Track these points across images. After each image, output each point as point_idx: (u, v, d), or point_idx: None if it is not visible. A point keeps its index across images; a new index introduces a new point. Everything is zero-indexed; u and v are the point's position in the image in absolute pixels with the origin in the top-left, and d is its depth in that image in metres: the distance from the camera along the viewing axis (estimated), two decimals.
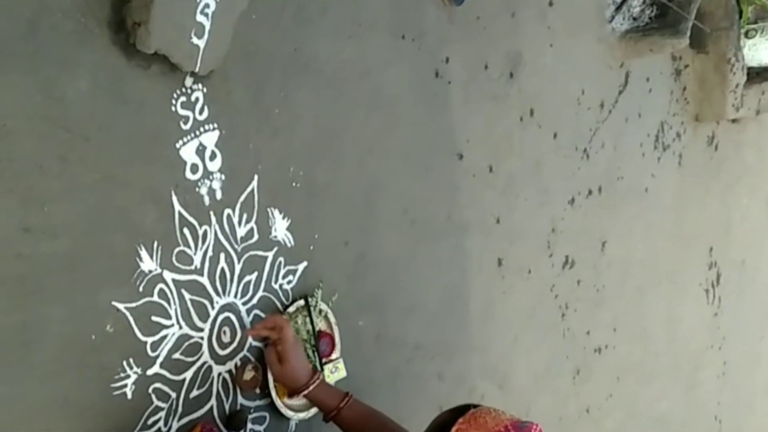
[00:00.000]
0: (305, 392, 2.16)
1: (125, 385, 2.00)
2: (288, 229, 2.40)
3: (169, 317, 2.09)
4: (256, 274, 2.33)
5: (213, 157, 2.16)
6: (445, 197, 3.06)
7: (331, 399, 2.15)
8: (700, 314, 4.97)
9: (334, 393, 2.17)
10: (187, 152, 2.09)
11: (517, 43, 3.27)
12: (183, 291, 2.12)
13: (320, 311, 2.52)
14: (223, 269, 2.23)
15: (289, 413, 2.44)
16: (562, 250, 3.71)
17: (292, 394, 2.20)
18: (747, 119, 4.83)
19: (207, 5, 1.96)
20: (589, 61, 3.71)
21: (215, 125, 2.14)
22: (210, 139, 2.14)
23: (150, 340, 2.05)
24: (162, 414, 2.11)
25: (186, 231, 2.11)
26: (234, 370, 2.31)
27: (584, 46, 3.66)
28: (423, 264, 2.99)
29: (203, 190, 2.15)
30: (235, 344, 2.30)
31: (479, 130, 3.15)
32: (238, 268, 2.28)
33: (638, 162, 4.15)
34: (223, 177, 2.19)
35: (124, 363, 2.00)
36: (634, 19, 3.87)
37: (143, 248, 2.01)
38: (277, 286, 2.40)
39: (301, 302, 2.45)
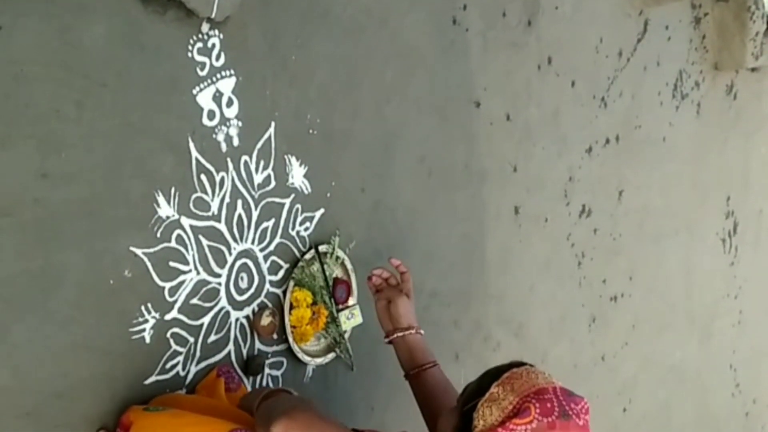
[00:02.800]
0: (398, 335, 2.11)
1: (143, 330, 2.02)
2: (305, 176, 2.40)
3: (186, 263, 2.10)
4: (273, 220, 2.34)
5: (230, 103, 2.16)
6: (463, 145, 3.05)
7: (422, 355, 2.10)
8: (717, 263, 4.97)
9: (427, 353, 2.11)
10: (204, 98, 2.09)
11: None
12: (200, 237, 2.13)
13: (337, 258, 2.52)
14: (240, 216, 2.24)
15: (306, 359, 2.46)
16: (579, 198, 3.70)
17: (389, 334, 2.13)
18: (766, 68, 4.79)
19: None
20: (607, 9, 3.68)
21: (232, 72, 2.14)
22: (227, 85, 2.14)
23: (168, 285, 2.07)
24: (180, 358, 2.13)
25: (203, 177, 2.11)
26: (251, 316, 2.33)
27: None
28: (440, 212, 2.99)
29: (220, 137, 2.15)
30: (252, 290, 2.31)
31: (497, 78, 3.13)
32: (255, 214, 2.28)
33: (656, 111, 4.13)
34: (240, 123, 2.19)
35: (142, 308, 2.01)
36: None
37: (160, 194, 2.01)
38: (294, 233, 2.41)
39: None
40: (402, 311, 2.12)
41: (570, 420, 1.54)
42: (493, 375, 1.64)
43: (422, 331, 2.12)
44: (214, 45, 2.09)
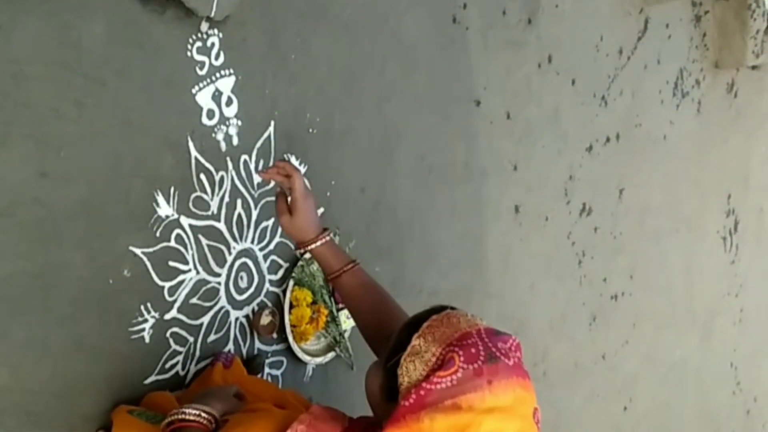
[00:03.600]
0: (312, 246, 1.99)
1: (143, 329, 2.02)
2: (305, 175, 2.39)
3: (186, 262, 2.10)
4: (273, 219, 2.34)
5: (229, 102, 2.15)
6: (463, 144, 3.05)
7: (336, 260, 1.99)
8: (718, 262, 4.97)
9: (341, 256, 2.01)
10: (204, 98, 2.09)
11: None
12: (200, 236, 2.13)
13: None
14: (240, 215, 2.24)
15: (306, 358, 2.46)
16: (580, 197, 3.70)
17: (298, 247, 2.02)
18: (767, 66, 4.79)
19: None
20: (607, 7, 3.68)
21: (231, 71, 2.14)
22: (226, 84, 2.14)
23: (167, 284, 2.06)
24: (180, 358, 2.12)
25: (203, 177, 2.11)
26: (251, 315, 2.32)
27: None
28: (440, 211, 2.99)
29: (220, 136, 2.14)
30: (252, 289, 2.31)
31: (497, 77, 3.13)
32: (255, 213, 2.28)
33: (657, 109, 4.13)
34: (239, 123, 2.19)
35: (142, 307, 2.01)
36: None
37: (160, 194, 2.01)
38: None
39: None
40: (301, 224, 1.98)
41: (498, 362, 1.46)
42: (412, 326, 1.56)
43: (329, 236, 2.00)
44: (213, 44, 2.09)
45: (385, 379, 1.56)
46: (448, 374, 1.45)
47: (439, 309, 1.60)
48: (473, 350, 1.47)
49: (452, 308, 1.61)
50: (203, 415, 1.74)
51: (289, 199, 1.99)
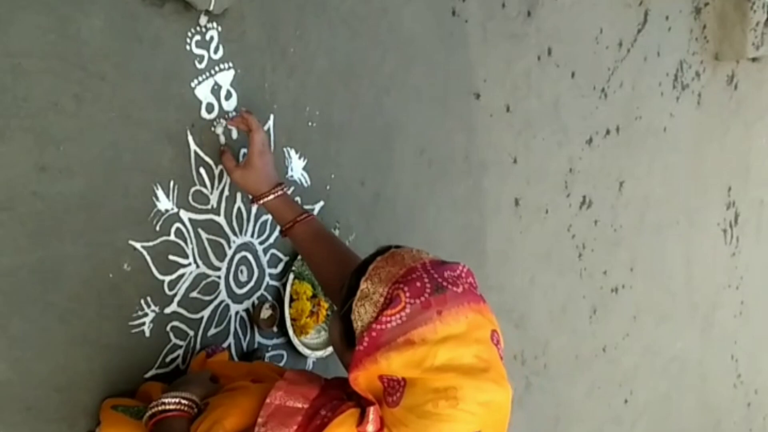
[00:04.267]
0: (264, 201, 2.03)
1: (143, 323, 2.02)
2: (304, 168, 2.40)
3: (186, 256, 2.10)
4: None
5: (228, 96, 2.15)
6: (462, 137, 3.05)
7: (289, 212, 2.02)
8: (718, 254, 4.97)
9: (295, 207, 2.04)
10: (203, 91, 2.08)
11: None
12: (200, 230, 2.12)
13: None
14: (239, 209, 2.23)
15: (306, 351, 2.46)
16: (580, 189, 3.70)
17: (252, 201, 2.06)
18: (767, 58, 4.79)
19: None
20: None
21: (230, 64, 2.13)
22: (225, 78, 2.13)
23: (167, 278, 2.06)
24: (180, 352, 2.12)
25: (202, 170, 2.11)
26: (251, 309, 2.32)
27: None
28: (440, 204, 2.99)
29: (219, 130, 2.14)
30: (252, 283, 2.31)
31: (496, 70, 3.13)
32: (254, 207, 2.28)
33: (657, 101, 4.12)
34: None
35: (142, 301, 2.01)
36: None
37: (159, 187, 2.01)
38: None
39: None
40: (255, 178, 2.03)
41: (445, 292, 1.48)
42: (360, 271, 1.57)
43: (282, 190, 2.04)
44: (212, 38, 2.08)
45: (342, 327, 1.58)
46: (395, 312, 1.46)
47: (384, 250, 1.60)
48: (418, 284, 1.48)
49: (397, 246, 1.61)
50: (183, 402, 1.75)
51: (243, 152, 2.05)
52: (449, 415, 1.41)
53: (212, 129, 2.12)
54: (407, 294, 1.47)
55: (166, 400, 1.75)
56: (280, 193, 2.03)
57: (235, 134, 2.18)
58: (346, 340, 1.58)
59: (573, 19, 3.45)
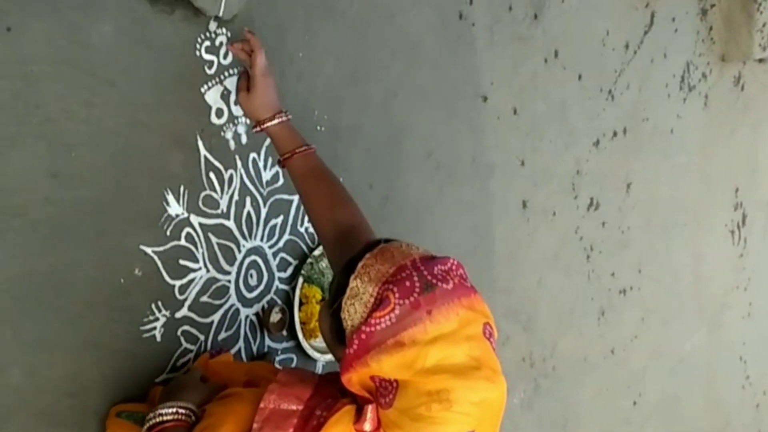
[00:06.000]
0: (267, 125, 1.97)
1: (154, 328, 2.03)
2: None
3: (196, 261, 2.11)
4: (281, 217, 2.35)
5: (238, 101, 2.15)
6: (470, 140, 3.05)
7: (290, 141, 1.96)
8: (726, 255, 4.96)
9: (297, 138, 1.97)
10: (212, 97, 2.09)
11: None
12: (210, 235, 2.13)
13: None
14: (249, 213, 2.24)
15: (315, 355, 2.47)
16: (587, 191, 3.70)
17: (254, 126, 2.00)
18: None
19: None
20: (613, 2, 3.67)
21: (239, 70, 2.14)
22: (234, 83, 2.14)
23: (178, 283, 2.07)
24: (191, 356, 2.13)
25: (212, 175, 2.12)
26: (261, 313, 2.33)
27: None
28: (448, 206, 3.00)
29: (228, 135, 2.15)
30: (261, 287, 2.32)
31: (503, 72, 3.13)
32: (264, 211, 2.29)
33: (664, 103, 4.12)
34: (247, 121, 2.19)
35: (153, 306, 2.02)
36: None
37: (170, 192, 2.02)
38: (302, 230, 2.42)
39: None
40: (258, 102, 1.97)
41: (435, 290, 1.45)
42: (349, 268, 1.54)
43: (286, 117, 1.98)
44: (221, 43, 2.09)
45: (332, 324, 1.56)
46: (385, 313, 1.44)
47: (373, 245, 1.58)
48: (408, 283, 1.46)
49: (386, 241, 1.60)
50: (180, 411, 1.74)
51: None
52: (443, 417, 1.40)
53: (222, 134, 2.13)
54: (396, 295, 1.44)
55: (163, 411, 1.74)
56: (283, 119, 1.97)
57: (244, 139, 2.19)
58: (337, 337, 1.56)
59: (579, 21, 3.46)
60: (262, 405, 1.59)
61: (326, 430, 1.49)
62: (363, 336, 1.45)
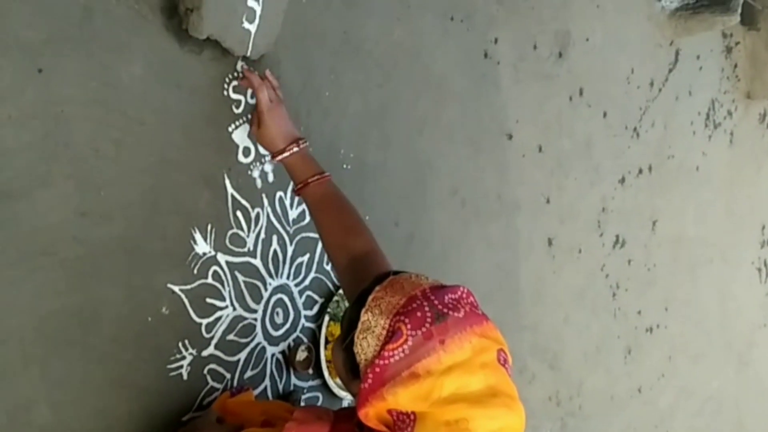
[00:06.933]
0: (277, 159, 1.97)
1: (181, 366, 2.02)
2: None
3: (223, 299, 2.11)
4: (308, 255, 2.35)
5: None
6: (495, 177, 3.06)
7: (305, 171, 1.95)
8: (753, 292, 4.93)
9: (311, 167, 1.97)
10: (239, 136, 2.10)
11: (566, 22, 3.25)
12: (237, 273, 2.14)
13: None
14: (275, 251, 2.25)
15: (341, 393, 2.46)
16: (613, 229, 3.69)
17: (272, 157, 1.99)
18: None
19: None
20: (638, 40, 3.68)
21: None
22: None
23: (205, 321, 2.07)
24: (217, 395, 2.12)
25: (239, 213, 2.12)
26: (287, 351, 2.33)
27: (633, 24, 3.64)
28: (473, 244, 3.00)
29: (255, 173, 2.16)
30: (288, 325, 2.32)
31: (528, 110, 3.14)
32: (290, 250, 2.29)
33: (689, 140, 4.12)
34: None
35: (180, 344, 2.02)
36: None
37: (197, 231, 2.02)
38: (328, 268, 2.42)
39: None
40: (268, 136, 1.97)
41: (446, 319, 1.44)
42: (359, 302, 1.54)
43: (301, 145, 1.97)
44: None
45: (346, 358, 1.55)
46: (398, 346, 1.43)
47: (382, 277, 1.57)
48: (419, 314, 1.45)
49: (395, 273, 1.59)
50: None
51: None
52: None
53: (249, 172, 2.14)
54: (408, 326, 1.44)
55: None
56: (295, 150, 1.96)
57: (271, 178, 2.20)
58: (351, 372, 1.56)
59: (604, 59, 3.47)
60: None
61: None
62: (377, 369, 1.45)
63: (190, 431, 1.86)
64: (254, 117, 2.01)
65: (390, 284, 1.55)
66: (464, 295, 1.52)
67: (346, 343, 1.55)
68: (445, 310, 1.46)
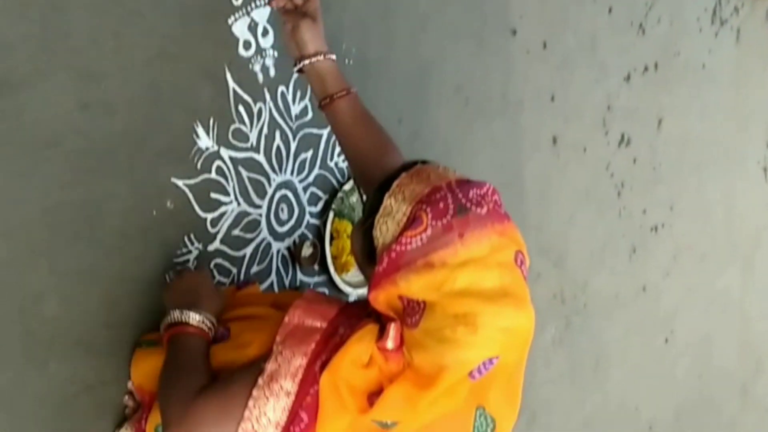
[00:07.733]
0: (327, 56, 1.85)
1: (187, 261, 2.03)
2: None
3: (227, 194, 2.11)
4: (311, 151, 2.34)
5: (265, 33, 2.14)
6: (499, 74, 3.03)
7: (336, 82, 1.85)
8: (758, 192, 4.93)
9: (340, 80, 1.86)
10: (240, 28, 2.08)
11: None
12: (240, 168, 2.13)
13: None
14: (278, 147, 2.24)
15: (347, 289, 2.47)
16: (618, 127, 3.68)
17: (300, 59, 1.85)
18: None
19: None
20: None
21: (266, 1, 2.12)
22: (262, 15, 2.13)
23: (209, 216, 2.07)
24: (224, 289, 2.14)
25: (241, 108, 2.11)
26: (293, 247, 2.34)
27: None
28: (478, 142, 2.98)
29: (257, 67, 2.14)
30: (293, 221, 2.32)
31: (533, 5, 3.10)
32: (293, 145, 2.28)
33: (695, 37, 4.07)
34: (275, 54, 2.18)
35: (185, 239, 2.02)
36: None
37: (200, 125, 2.01)
38: (332, 164, 2.41)
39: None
40: (307, 36, 1.82)
41: (468, 213, 1.43)
42: (384, 186, 1.53)
43: (333, 56, 1.86)
44: None
45: (364, 242, 1.56)
46: (417, 233, 1.43)
47: (410, 165, 1.57)
48: (441, 205, 1.44)
49: (423, 162, 1.58)
50: (206, 322, 1.76)
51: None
52: (468, 341, 1.39)
53: (250, 66, 2.12)
54: (429, 215, 1.43)
55: (191, 314, 1.75)
56: (328, 59, 1.85)
57: (272, 72, 2.18)
58: (367, 256, 1.56)
59: None
60: (286, 320, 1.60)
61: (348, 347, 1.49)
62: (393, 254, 1.45)
63: (190, 291, 1.84)
64: (290, 16, 1.87)
65: (417, 172, 1.54)
66: (489, 192, 1.50)
67: (366, 226, 1.55)
68: (468, 205, 1.45)
